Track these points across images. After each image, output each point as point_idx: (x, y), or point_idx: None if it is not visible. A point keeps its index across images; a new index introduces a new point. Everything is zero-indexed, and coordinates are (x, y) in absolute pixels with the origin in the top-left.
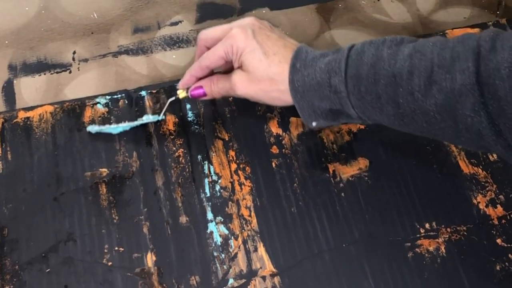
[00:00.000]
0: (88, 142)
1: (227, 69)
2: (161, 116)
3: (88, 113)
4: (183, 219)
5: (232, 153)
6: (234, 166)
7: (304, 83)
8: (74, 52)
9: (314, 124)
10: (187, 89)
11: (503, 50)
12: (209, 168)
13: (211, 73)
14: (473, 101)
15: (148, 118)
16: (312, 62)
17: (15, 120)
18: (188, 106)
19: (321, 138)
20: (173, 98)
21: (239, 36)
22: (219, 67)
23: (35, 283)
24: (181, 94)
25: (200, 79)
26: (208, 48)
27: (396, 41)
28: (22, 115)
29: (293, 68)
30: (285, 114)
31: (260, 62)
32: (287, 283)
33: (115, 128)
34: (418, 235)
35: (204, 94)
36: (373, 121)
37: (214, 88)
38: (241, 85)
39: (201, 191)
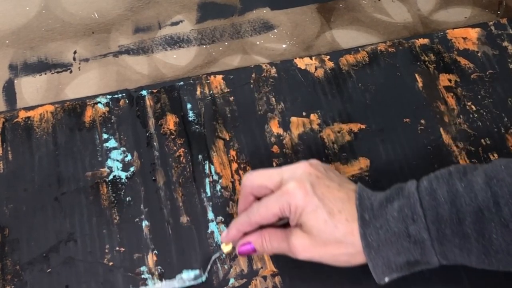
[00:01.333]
0: (89, 142)
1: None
2: (205, 276)
3: (89, 113)
4: (184, 219)
5: (233, 152)
6: (235, 165)
7: (379, 236)
8: (75, 52)
9: (386, 279)
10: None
11: None
12: (210, 167)
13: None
14: None
15: (188, 275)
16: (381, 211)
17: (15, 120)
18: (189, 105)
19: (322, 138)
20: (217, 255)
21: (298, 193)
22: (271, 224)
23: (36, 283)
24: (226, 248)
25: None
26: (255, 197)
27: (460, 172)
28: (23, 114)
29: (362, 220)
30: (286, 114)
31: (325, 224)
32: (288, 283)
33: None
34: None
35: (254, 251)
36: (454, 262)
37: (267, 246)
38: (303, 250)
39: (202, 191)
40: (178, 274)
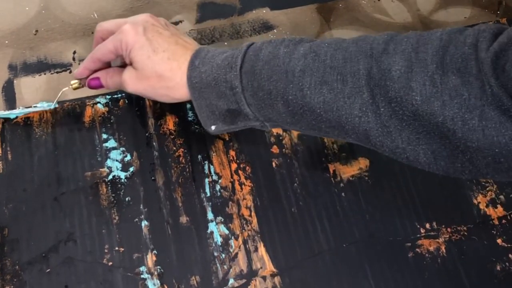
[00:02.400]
0: (88, 142)
1: (125, 63)
2: (54, 104)
3: (88, 113)
4: (184, 219)
5: (232, 153)
6: (234, 166)
7: (201, 79)
8: (75, 52)
9: (213, 128)
10: (80, 80)
11: (395, 54)
12: (209, 168)
13: (107, 65)
14: (361, 102)
15: (42, 105)
16: (211, 59)
17: (15, 120)
18: (188, 105)
19: (321, 138)
20: (66, 88)
21: (129, 32)
22: (109, 60)
23: (35, 283)
24: (74, 84)
25: (95, 71)
26: (103, 41)
27: (294, 41)
28: (22, 115)
29: (191, 65)
30: None
31: (148, 59)
32: (287, 283)
33: (8, 114)
34: (418, 235)
35: (101, 85)
36: (269, 122)
37: (109, 80)
38: (130, 82)
39: (202, 191)
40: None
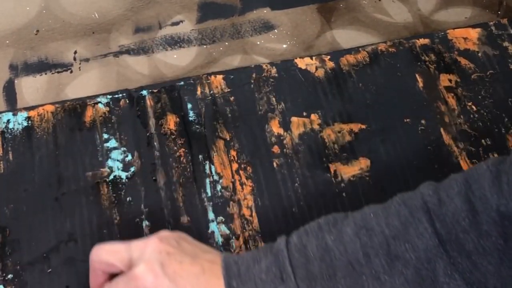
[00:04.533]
0: (89, 142)
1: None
2: None
3: (89, 113)
4: (184, 219)
5: (233, 153)
6: (235, 166)
7: None
8: (75, 52)
9: None
10: None
11: (451, 200)
12: (210, 168)
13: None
14: (443, 265)
15: None
16: (248, 274)
17: (16, 120)
18: (189, 105)
19: (322, 138)
20: None
21: (147, 277)
22: None
23: (36, 283)
24: None
25: None
26: (105, 273)
27: (331, 222)
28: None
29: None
30: (287, 114)
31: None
32: None
33: None
34: None
35: None
36: None
37: None
38: None
39: (202, 191)
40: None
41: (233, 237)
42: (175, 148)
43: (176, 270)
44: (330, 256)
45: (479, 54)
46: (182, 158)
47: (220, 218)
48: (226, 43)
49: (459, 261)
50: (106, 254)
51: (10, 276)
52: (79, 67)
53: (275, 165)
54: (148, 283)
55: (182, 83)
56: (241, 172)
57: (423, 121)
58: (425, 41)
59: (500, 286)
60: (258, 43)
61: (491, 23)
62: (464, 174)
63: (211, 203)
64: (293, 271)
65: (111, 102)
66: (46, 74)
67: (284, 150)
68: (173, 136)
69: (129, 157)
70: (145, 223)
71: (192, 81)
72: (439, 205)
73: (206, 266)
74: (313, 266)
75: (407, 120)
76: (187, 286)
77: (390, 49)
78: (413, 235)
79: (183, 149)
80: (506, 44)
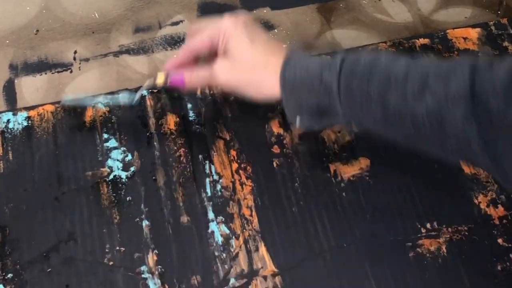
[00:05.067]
0: (89, 142)
1: (209, 63)
2: (136, 100)
3: (89, 113)
4: (184, 218)
5: (233, 152)
6: (235, 165)
7: (295, 75)
8: (75, 52)
9: (297, 119)
10: (166, 76)
11: (499, 71)
12: (210, 167)
13: (196, 64)
14: (465, 109)
15: (124, 97)
16: (306, 60)
17: (16, 120)
18: (189, 105)
19: (322, 137)
20: (151, 82)
21: (229, 23)
22: (205, 51)
23: (36, 282)
24: (159, 79)
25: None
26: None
27: (393, 54)
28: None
29: (287, 62)
30: None
31: (246, 50)
32: (288, 283)
33: (90, 100)
34: (419, 235)
35: (183, 83)
36: (358, 124)
37: (194, 77)
38: (223, 72)
39: (202, 190)
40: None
41: (233, 237)
42: (175, 148)
43: (253, 30)
44: (376, 65)
45: (479, 54)
46: (182, 158)
47: (220, 217)
48: None
49: (480, 114)
50: (200, 24)
51: (10, 275)
52: (79, 67)
53: (275, 165)
54: (228, 27)
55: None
56: (241, 172)
57: None
58: (425, 41)
59: (508, 155)
60: None
61: (491, 23)
62: None
63: (211, 202)
64: (340, 65)
65: (111, 102)
66: (46, 74)
67: (284, 150)
68: (173, 136)
69: (129, 157)
70: (145, 223)
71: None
72: (487, 69)
73: (276, 43)
74: (358, 66)
75: None
76: (257, 42)
77: (390, 49)
78: (451, 79)
79: (183, 149)
80: (506, 44)
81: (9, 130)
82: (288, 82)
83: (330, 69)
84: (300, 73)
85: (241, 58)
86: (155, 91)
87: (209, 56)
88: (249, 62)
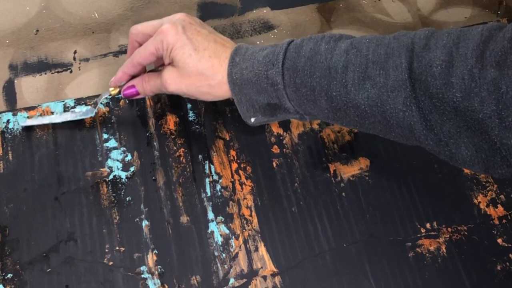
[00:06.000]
0: (89, 142)
1: (159, 66)
2: (94, 111)
3: None
4: (184, 218)
5: (233, 152)
6: (235, 165)
7: (242, 75)
8: (75, 52)
9: (252, 120)
10: (120, 86)
11: (436, 49)
12: (210, 167)
13: (144, 70)
14: (404, 96)
15: (80, 109)
16: (251, 56)
17: (16, 120)
18: (189, 105)
19: (322, 137)
20: (106, 94)
21: (169, 32)
22: (150, 63)
23: (36, 282)
24: (113, 91)
25: (133, 77)
26: (140, 44)
27: (335, 37)
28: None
29: (232, 61)
30: None
31: (190, 57)
32: (288, 283)
33: (48, 118)
34: (419, 235)
35: (137, 93)
36: (309, 116)
37: (146, 86)
38: (172, 81)
39: (202, 190)
40: (72, 108)
41: (233, 237)
42: (175, 148)
43: (194, 34)
44: (317, 58)
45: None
46: (181, 158)
47: (220, 217)
48: None
49: (421, 98)
50: (143, 25)
51: (9, 275)
52: (79, 67)
53: (274, 165)
54: (170, 36)
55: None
56: (240, 172)
57: None
58: None
59: (453, 135)
60: (258, 43)
61: (491, 23)
62: (459, 31)
63: (210, 202)
64: (283, 61)
65: (110, 102)
66: (46, 74)
67: (284, 150)
68: (172, 136)
69: (129, 157)
70: (145, 223)
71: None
72: (423, 49)
73: (219, 40)
74: (300, 62)
75: None
76: (200, 46)
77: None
78: (390, 65)
79: (183, 149)
80: None
81: (9, 130)
82: (236, 84)
83: (273, 65)
84: (246, 73)
85: (186, 67)
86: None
87: (156, 61)
88: (196, 70)
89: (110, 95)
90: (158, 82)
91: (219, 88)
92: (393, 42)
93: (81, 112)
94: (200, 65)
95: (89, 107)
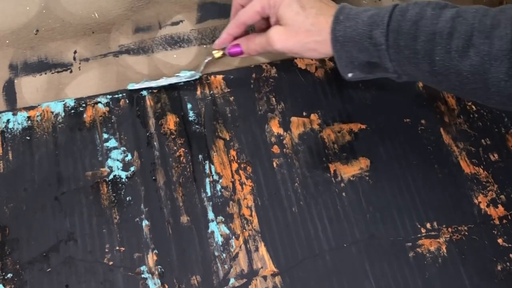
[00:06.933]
0: (89, 142)
1: (261, 28)
2: (198, 74)
3: (89, 113)
4: (184, 218)
5: (233, 152)
6: (235, 165)
7: (345, 33)
8: (75, 52)
9: (350, 75)
10: (223, 48)
11: None
12: (210, 167)
13: (247, 32)
14: (508, 66)
15: (185, 74)
16: (355, 16)
17: (16, 120)
18: (189, 105)
19: (322, 137)
20: (210, 58)
21: None
22: (255, 23)
23: (36, 282)
24: (217, 54)
25: (236, 38)
26: (243, 6)
27: (440, 5)
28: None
29: (336, 19)
30: (286, 114)
31: (297, 15)
32: (288, 283)
33: (155, 82)
34: (419, 235)
35: (241, 52)
36: (408, 76)
37: (251, 45)
38: (279, 39)
39: (202, 190)
40: (176, 73)
41: (233, 237)
42: (175, 148)
43: None
44: (422, 23)
45: None
46: (182, 158)
47: (220, 217)
48: None
49: None
50: None
51: (9, 275)
52: (79, 67)
53: (274, 165)
54: None
55: (182, 83)
56: (240, 172)
57: (423, 121)
58: None
59: None
60: None
61: None
62: None
63: (211, 202)
64: (388, 22)
65: (111, 102)
66: (46, 73)
67: (284, 150)
68: (173, 136)
69: (129, 157)
70: (145, 223)
71: (192, 81)
72: None
73: (324, 0)
74: (405, 24)
75: (407, 120)
76: (306, 5)
77: None
78: (495, 35)
79: (183, 149)
80: None
81: (9, 130)
82: (338, 41)
83: (378, 26)
84: (349, 31)
85: (293, 24)
86: (155, 91)
87: (259, 22)
88: (304, 27)
89: (213, 57)
90: (263, 40)
91: (325, 44)
92: (499, 14)
93: (186, 76)
94: (308, 22)
95: (193, 71)
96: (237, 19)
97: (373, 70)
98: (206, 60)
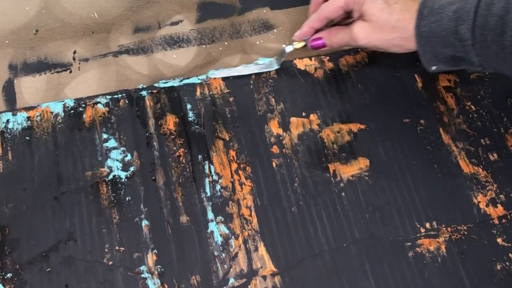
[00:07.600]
0: (89, 142)
1: (341, 21)
2: (277, 65)
3: (88, 113)
4: (184, 218)
5: (232, 153)
6: (234, 166)
7: (430, 29)
8: (75, 52)
9: (433, 68)
10: (304, 40)
11: None
12: (209, 168)
13: (328, 25)
14: None
15: (263, 61)
16: (439, 10)
17: (15, 120)
18: (188, 106)
19: (321, 138)
20: (290, 48)
21: None
22: (338, 17)
23: (35, 282)
24: (298, 45)
25: (317, 31)
26: (325, 0)
27: None
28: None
29: (420, 14)
30: (286, 114)
31: (382, 11)
32: (287, 283)
33: (235, 70)
34: (418, 235)
35: (323, 45)
36: (493, 69)
37: (333, 39)
38: (363, 35)
39: (202, 190)
40: (255, 60)
41: (232, 237)
42: (175, 148)
43: None
44: (509, 17)
45: None
46: (181, 158)
47: (220, 217)
48: (226, 43)
49: None
50: None
51: (9, 275)
52: (79, 67)
53: (274, 165)
54: None
55: (181, 83)
56: (240, 172)
57: (422, 121)
58: None
59: None
60: (258, 43)
61: None
62: None
63: (210, 202)
64: (474, 18)
65: (110, 103)
66: (45, 74)
67: (283, 150)
68: (172, 136)
69: (129, 157)
70: (145, 223)
71: (191, 82)
72: None
73: None
74: (491, 19)
75: (406, 120)
76: (390, 0)
77: None
78: None
79: (183, 149)
80: None
81: (8, 130)
82: (423, 37)
83: (464, 22)
84: (434, 27)
85: (377, 20)
86: (154, 91)
87: (341, 17)
88: (388, 23)
89: (295, 49)
90: (346, 35)
91: (410, 40)
92: None
93: (265, 65)
94: (392, 18)
95: (272, 59)
96: (320, 13)
97: (457, 64)
98: (287, 51)
